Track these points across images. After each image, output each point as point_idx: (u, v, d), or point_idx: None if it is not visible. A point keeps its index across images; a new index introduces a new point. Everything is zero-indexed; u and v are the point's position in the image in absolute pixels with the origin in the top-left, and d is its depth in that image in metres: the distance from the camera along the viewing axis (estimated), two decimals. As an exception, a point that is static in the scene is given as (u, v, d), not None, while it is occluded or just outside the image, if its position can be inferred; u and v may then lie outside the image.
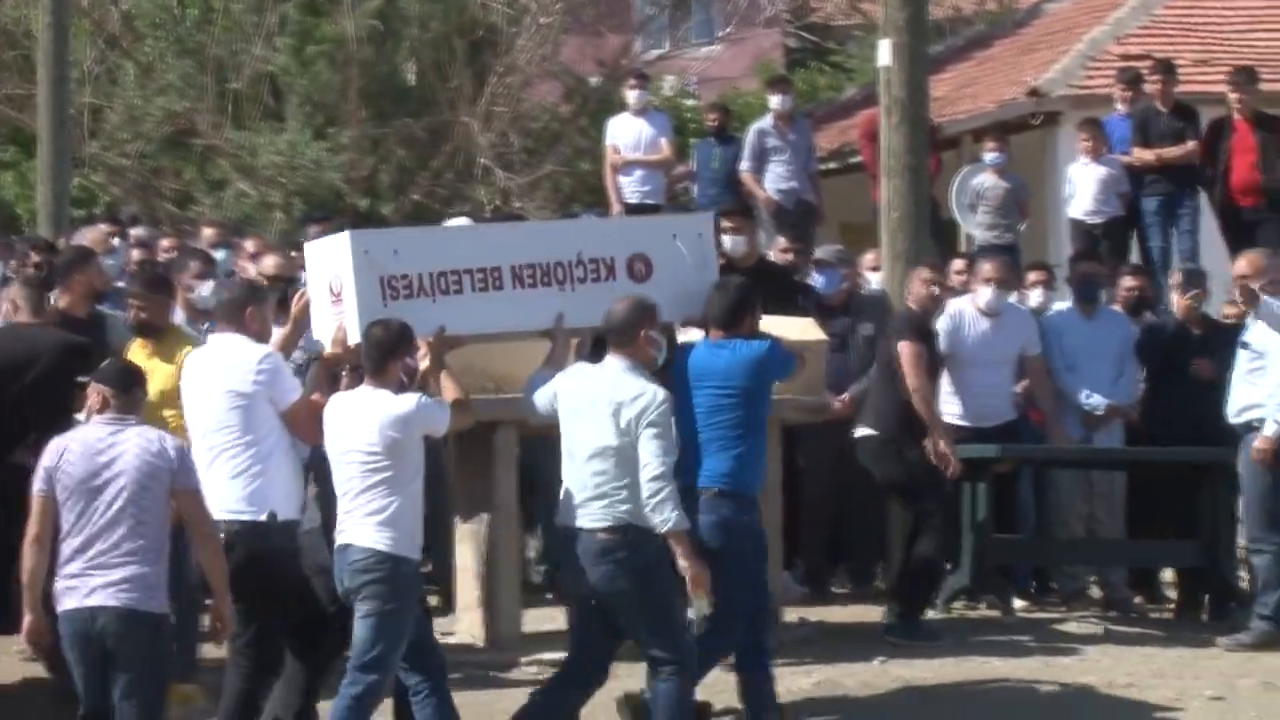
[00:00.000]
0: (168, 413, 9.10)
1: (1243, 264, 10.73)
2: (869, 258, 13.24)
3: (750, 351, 8.73)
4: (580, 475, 8.17)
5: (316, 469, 8.36)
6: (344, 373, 8.28)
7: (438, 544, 10.46)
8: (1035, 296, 12.27)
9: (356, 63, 20.88)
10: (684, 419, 8.39)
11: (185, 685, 9.12)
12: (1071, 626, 11.18)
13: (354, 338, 8.28)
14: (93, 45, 21.75)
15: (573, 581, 8.37)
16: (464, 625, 10.34)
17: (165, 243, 13.33)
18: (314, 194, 20.50)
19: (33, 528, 7.62)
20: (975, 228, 15.35)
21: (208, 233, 13.34)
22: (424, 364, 8.35)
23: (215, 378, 8.21)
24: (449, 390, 8.25)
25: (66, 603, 7.51)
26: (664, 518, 8.04)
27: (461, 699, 8.36)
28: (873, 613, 11.05)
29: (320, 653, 8.32)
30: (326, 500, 8.30)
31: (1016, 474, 11.86)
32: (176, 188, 21.56)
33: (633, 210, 16.10)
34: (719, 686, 8.88)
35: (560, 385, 8.38)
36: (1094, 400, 11.79)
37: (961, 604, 11.54)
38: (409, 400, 7.96)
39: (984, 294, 11.52)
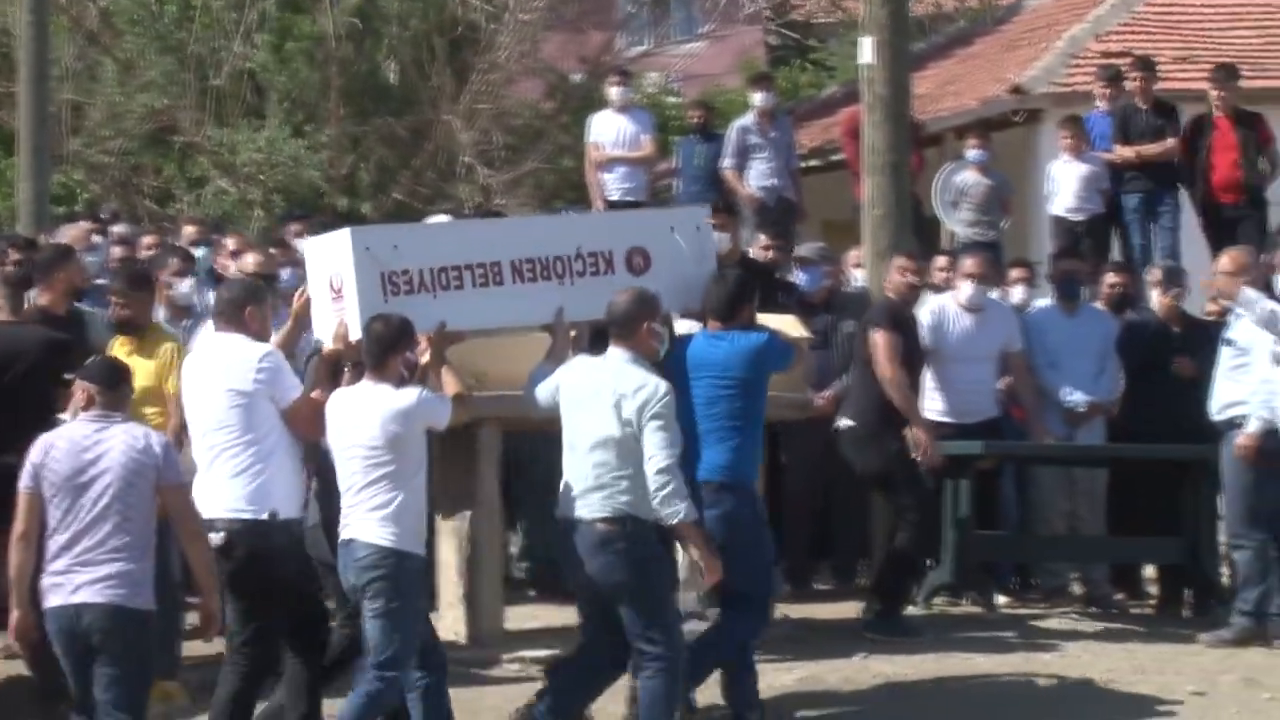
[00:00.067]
0: (149, 410, 9.10)
1: (1225, 261, 10.75)
2: (852, 255, 13.24)
3: (748, 343, 8.76)
4: (581, 466, 8.18)
5: (317, 465, 8.35)
6: (346, 369, 8.28)
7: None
8: (1017, 293, 12.29)
9: (336, 61, 20.85)
10: (682, 410, 8.39)
11: (167, 682, 9.12)
12: (1053, 623, 11.20)
13: (355, 334, 8.28)
14: (72, 42, 21.70)
15: (572, 574, 8.37)
16: (446, 622, 10.32)
17: (146, 240, 13.30)
18: (294, 191, 20.47)
19: (19, 525, 7.63)
20: (957, 225, 15.36)
21: (188, 230, 13.32)
22: (424, 359, 8.35)
23: (215, 377, 8.20)
24: (450, 384, 8.26)
25: (52, 599, 7.53)
26: (673, 510, 8.06)
27: (444, 696, 8.35)
28: (855, 609, 11.05)
29: (319, 653, 8.31)
30: (327, 497, 8.29)
31: (999, 471, 11.87)
32: (157, 185, 21.52)
33: (614, 207, 16.09)
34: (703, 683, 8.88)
35: (562, 378, 8.39)
36: (1075, 397, 11.80)
37: (944, 600, 11.55)
38: (410, 394, 7.97)
39: (965, 289, 11.53)
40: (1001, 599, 11.81)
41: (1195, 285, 12.55)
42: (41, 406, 9.06)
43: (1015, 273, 12.52)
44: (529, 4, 21.92)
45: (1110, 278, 12.52)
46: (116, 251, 12.42)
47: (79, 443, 7.60)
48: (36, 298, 9.97)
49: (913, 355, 10.92)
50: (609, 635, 8.28)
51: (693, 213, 9.74)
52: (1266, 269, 10.75)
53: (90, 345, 9.63)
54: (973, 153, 15.37)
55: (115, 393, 7.73)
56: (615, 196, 16.47)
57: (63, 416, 8.91)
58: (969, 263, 11.75)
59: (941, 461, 10.88)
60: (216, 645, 9.38)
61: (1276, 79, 18.64)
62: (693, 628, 8.99)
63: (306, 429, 8.20)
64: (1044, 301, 12.37)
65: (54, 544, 7.56)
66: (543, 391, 8.49)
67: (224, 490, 8.06)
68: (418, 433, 8.00)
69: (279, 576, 8.10)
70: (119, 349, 9.58)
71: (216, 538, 7.98)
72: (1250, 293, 10.42)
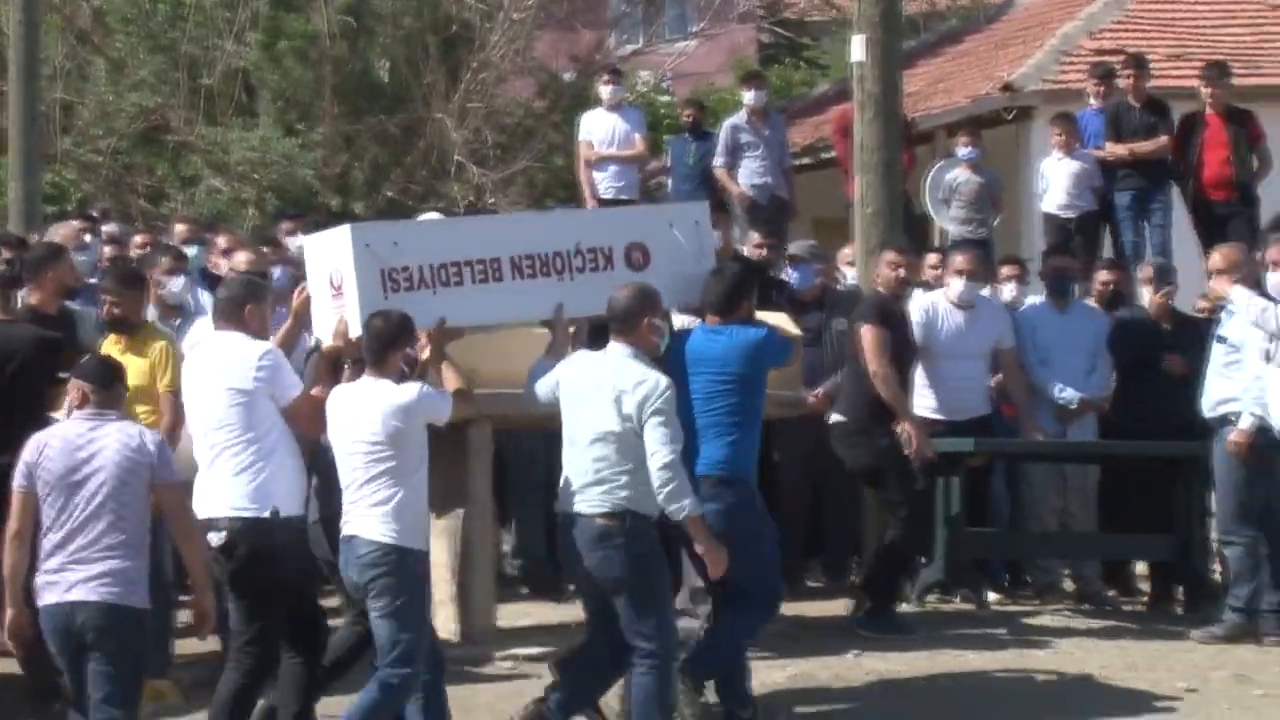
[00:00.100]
0: (140, 408, 9.09)
1: (1217, 258, 10.76)
2: (845, 252, 13.25)
3: (746, 338, 8.77)
4: (581, 461, 8.19)
5: (317, 462, 8.35)
6: (346, 366, 8.28)
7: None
8: (1008, 291, 12.30)
9: (329, 59, 20.84)
10: (681, 405, 8.39)
11: (158, 681, 9.11)
12: (1045, 620, 11.22)
13: (355, 331, 8.29)
14: (63, 41, 21.66)
15: (572, 569, 8.40)
16: (439, 620, 10.27)
17: (138, 239, 13.29)
18: (287, 190, 20.45)
19: (13, 523, 7.64)
20: (948, 222, 15.38)
21: (180, 229, 13.31)
22: (424, 355, 8.36)
23: (216, 375, 8.19)
24: (450, 380, 8.28)
25: (46, 598, 7.54)
26: (678, 505, 8.09)
27: (436, 694, 8.35)
28: (847, 607, 11.06)
29: (317, 654, 8.31)
30: (327, 494, 8.30)
31: (990, 468, 11.88)
32: (149, 184, 21.49)
33: (606, 206, 16.10)
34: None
35: (562, 373, 8.41)
36: (1067, 394, 11.81)
37: (935, 597, 11.56)
38: (411, 390, 7.98)
39: (955, 286, 11.54)
40: (993, 596, 11.83)
41: (1185, 282, 12.56)
42: (34, 405, 9.07)
43: (1006, 270, 12.52)
44: (521, 3, 21.90)
45: (1102, 275, 12.54)
46: (107, 250, 12.42)
47: (73, 441, 7.61)
48: (27, 296, 9.96)
49: (903, 350, 10.92)
50: (609, 634, 8.28)
51: (692, 208, 9.76)
52: (1258, 266, 10.75)
53: (80, 344, 9.63)
54: (964, 150, 15.38)
55: (109, 391, 7.74)
56: (607, 195, 16.48)
57: (55, 415, 8.92)
58: (959, 259, 11.76)
59: (932, 456, 10.88)
60: (209, 644, 9.42)
61: (1268, 76, 18.67)
62: (685, 624, 9.00)
63: (307, 426, 8.20)
64: (1035, 299, 12.38)
65: (48, 543, 7.56)
66: (543, 387, 8.50)
67: (225, 489, 8.05)
68: (418, 428, 8.00)
69: (281, 575, 8.09)
70: (110, 347, 9.58)
71: (218, 537, 7.98)
72: (1242, 291, 10.41)
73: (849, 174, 13.83)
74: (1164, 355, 11.85)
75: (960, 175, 15.25)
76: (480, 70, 21.56)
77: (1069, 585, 12.08)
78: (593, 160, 16.75)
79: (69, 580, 7.49)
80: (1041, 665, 9.98)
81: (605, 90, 17.15)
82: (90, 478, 7.53)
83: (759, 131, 16.21)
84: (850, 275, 12.83)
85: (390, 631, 7.91)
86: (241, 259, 11.18)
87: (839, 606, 11.14)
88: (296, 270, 12.16)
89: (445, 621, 10.21)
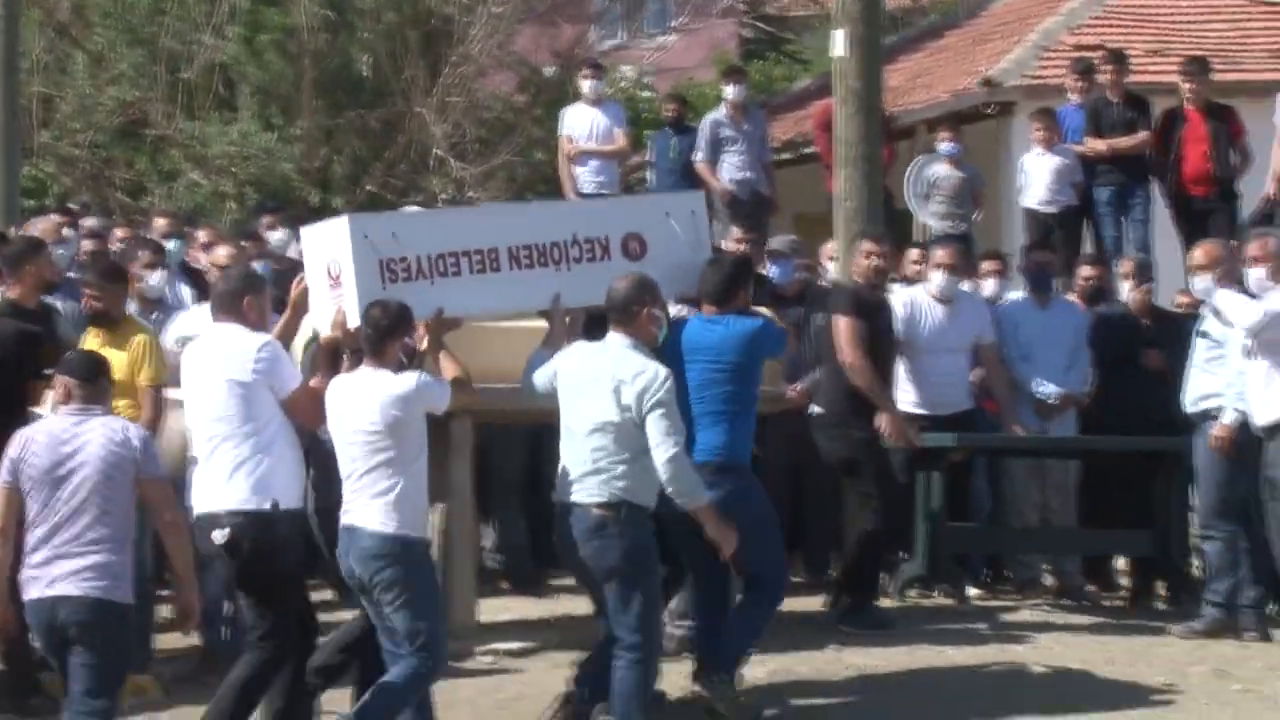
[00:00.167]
0: (120, 402, 9.07)
1: (1198, 255, 10.77)
2: (828, 248, 13.25)
3: (743, 327, 8.80)
4: (579, 451, 8.20)
5: (315, 454, 8.34)
6: (345, 356, 8.28)
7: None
8: (989, 286, 12.31)
9: (309, 53, 20.81)
10: (678, 394, 8.40)
11: (139, 676, 9.11)
12: (1025, 615, 11.23)
13: (353, 321, 8.29)
14: (42, 34, 21.61)
15: (569, 559, 8.42)
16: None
17: (119, 233, 13.27)
18: (267, 184, 20.43)
19: (-2, 519, 7.62)
20: (929, 218, 15.39)
21: (160, 223, 13.29)
22: (423, 345, 8.37)
23: (214, 367, 8.19)
24: (449, 369, 8.29)
25: (30, 592, 7.55)
26: (689, 497, 8.15)
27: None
28: (825, 601, 11.06)
29: (306, 651, 8.29)
30: (324, 484, 8.28)
31: (971, 463, 11.89)
32: (128, 178, 21.44)
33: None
34: (672, 675, 8.88)
35: (560, 364, 8.42)
36: (1047, 389, 11.82)
37: (916, 592, 11.56)
38: (409, 379, 7.98)
39: (936, 279, 11.55)
40: (974, 591, 11.83)
41: (1166, 277, 12.57)
42: (13, 400, 9.05)
43: (987, 265, 12.53)
44: (501, -4, 21.91)
45: (1084, 270, 12.55)
46: (87, 245, 12.40)
47: (58, 436, 7.62)
48: (6, 291, 9.94)
49: (881, 340, 10.89)
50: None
51: (688, 198, 9.78)
52: (1239, 262, 10.76)
53: (59, 339, 9.61)
54: (944, 145, 15.40)
55: (94, 386, 7.75)
56: (588, 190, 16.46)
57: (37, 410, 8.91)
58: (940, 253, 11.78)
59: (918, 441, 10.89)
60: (189, 639, 9.42)
61: (1248, 72, 18.71)
62: (669, 631, 9.05)
63: (306, 418, 8.21)
64: (1016, 294, 12.39)
65: (33, 537, 7.57)
66: (540, 377, 8.52)
67: (225, 483, 8.04)
68: (417, 417, 8.01)
69: (284, 567, 8.09)
70: (91, 341, 9.57)
71: (221, 535, 7.97)
72: (1228, 298, 10.36)
73: (830, 169, 13.82)
74: (1144, 351, 11.87)
75: (941, 170, 15.26)
76: (460, 64, 21.55)
77: (1049, 580, 12.09)
78: (573, 155, 16.74)
79: (52, 575, 7.49)
80: (1022, 660, 9.99)
81: (586, 85, 17.13)
82: (75, 472, 7.54)
83: (740, 126, 16.21)
84: (833, 270, 12.84)
85: (408, 621, 7.92)
86: (221, 253, 11.17)
87: (819, 601, 11.13)
88: (277, 264, 12.18)
89: (426, 616, 10.21)
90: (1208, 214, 14.44)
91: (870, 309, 10.83)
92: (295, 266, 11.55)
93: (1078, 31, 20.01)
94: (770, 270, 12.22)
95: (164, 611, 9.94)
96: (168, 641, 9.83)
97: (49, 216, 13.27)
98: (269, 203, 16.43)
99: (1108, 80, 15.07)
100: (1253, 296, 10.25)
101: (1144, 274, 12.31)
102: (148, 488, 7.64)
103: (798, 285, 12.14)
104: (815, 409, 10.99)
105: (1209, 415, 10.61)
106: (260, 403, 8.09)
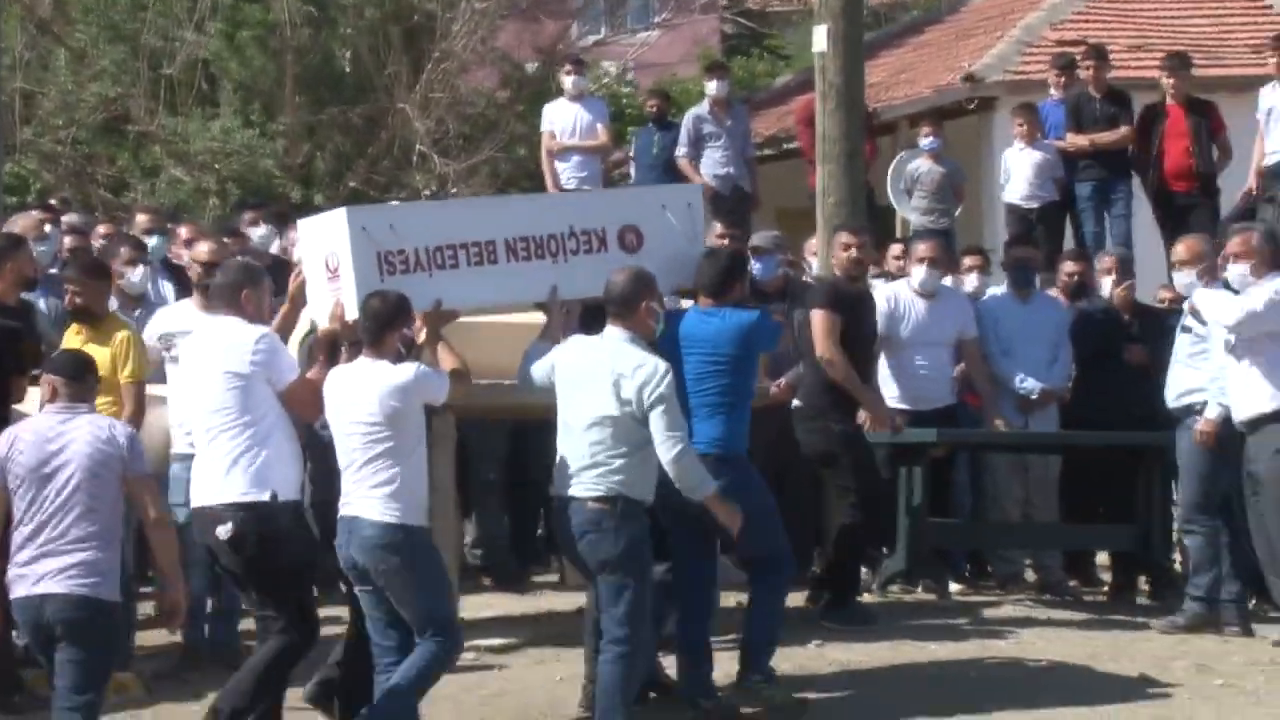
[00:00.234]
0: (102, 399, 9.04)
1: (1181, 250, 10.78)
2: (812, 243, 13.26)
3: (739, 320, 8.82)
4: (577, 445, 8.21)
5: (311, 447, 8.34)
6: (343, 348, 8.27)
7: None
8: (971, 281, 12.31)
9: (291, 49, 20.80)
10: (675, 385, 8.42)
11: (121, 673, 9.09)
12: (1007, 610, 11.23)
13: (351, 314, 8.29)
14: (24, 31, 21.58)
15: (567, 553, 8.47)
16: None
17: (101, 229, 13.25)
18: (249, 180, 20.42)
19: (-16, 517, 7.62)
20: (911, 213, 15.40)
21: (141, 219, 13.26)
22: (421, 337, 8.37)
23: (212, 359, 8.18)
24: (447, 360, 8.29)
25: (17, 590, 7.55)
26: (695, 489, 8.20)
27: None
28: (808, 597, 11.07)
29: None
30: (321, 478, 8.28)
31: (953, 458, 11.90)
32: (110, 174, 21.44)
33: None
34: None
35: (558, 357, 8.43)
36: (1029, 384, 11.83)
37: (898, 588, 11.57)
38: (408, 369, 7.99)
39: (918, 273, 11.56)
40: (955, 586, 11.84)
41: (1148, 272, 12.58)
42: (-3, 395, 9.04)
43: (969, 260, 12.53)
44: (483, -8, 21.92)
45: (1068, 266, 12.56)
46: (69, 241, 12.38)
47: (44, 434, 7.62)
48: (-14, 287, 9.91)
49: (861, 333, 10.86)
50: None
51: (684, 190, 9.82)
52: (1221, 258, 10.77)
53: (38, 335, 9.59)
54: (926, 141, 15.41)
55: (80, 384, 7.75)
56: (569, 185, 16.46)
57: (18, 408, 8.90)
58: (922, 247, 11.79)
59: (901, 424, 10.93)
60: (171, 636, 9.41)
61: (1229, 67, 18.74)
62: None
63: (304, 410, 8.21)
64: (997, 289, 12.40)
65: (19, 536, 7.57)
66: (538, 370, 8.53)
67: (223, 476, 8.03)
68: (416, 408, 8.02)
69: (289, 558, 8.08)
70: (73, 337, 9.56)
71: (225, 530, 7.97)
72: (1206, 296, 10.36)
73: (812, 164, 13.84)
74: (1126, 346, 11.89)
75: (922, 166, 15.27)
76: (443, 60, 21.56)
77: (1031, 575, 12.10)
78: (555, 151, 16.74)
79: (38, 573, 7.49)
80: (1003, 655, 10.00)
81: (568, 80, 17.13)
82: (60, 470, 7.53)
83: (722, 122, 16.21)
84: (816, 266, 12.84)
85: (419, 606, 7.95)
86: (203, 249, 11.15)
87: (802, 597, 11.14)
88: (259, 261, 12.16)
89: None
90: (1189, 209, 14.45)
91: (849, 302, 10.79)
92: (277, 263, 11.56)
93: (1059, 27, 20.05)
94: (753, 266, 12.20)
95: (145, 608, 9.93)
96: (149, 639, 9.82)
97: (30, 213, 13.22)
98: (251, 199, 16.42)
99: (1089, 76, 15.09)
100: (1234, 292, 10.26)
101: (1125, 269, 12.33)
102: (133, 485, 7.64)
103: (779, 281, 12.13)
104: (795, 403, 10.99)
105: (1192, 410, 10.62)
106: (258, 395, 8.08)
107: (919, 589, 11.66)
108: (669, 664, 8.95)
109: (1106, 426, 11.60)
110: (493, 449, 11.70)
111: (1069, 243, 14.69)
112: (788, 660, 9.73)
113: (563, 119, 16.80)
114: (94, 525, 7.51)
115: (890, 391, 11.43)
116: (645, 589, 8.25)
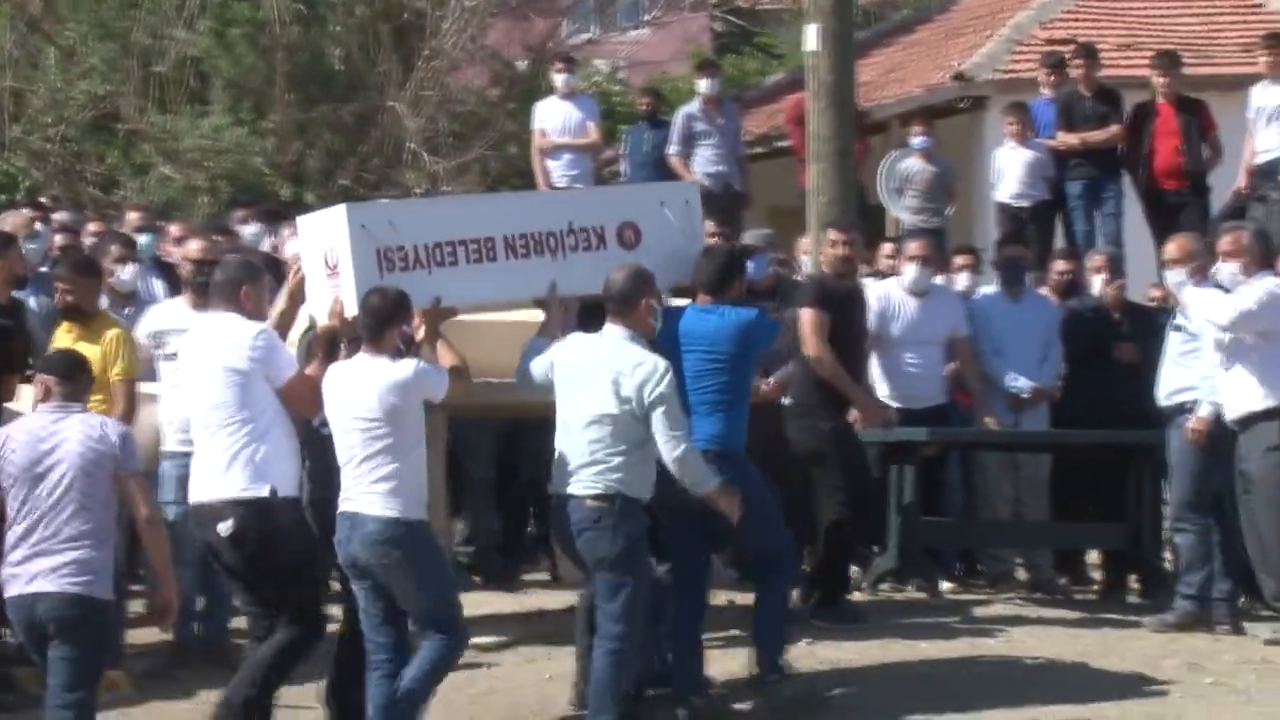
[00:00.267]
0: (94, 397, 9.04)
1: (1172, 249, 10.79)
2: (803, 242, 13.27)
3: (737, 318, 8.83)
4: (576, 443, 8.22)
5: (310, 445, 8.34)
6: (342, 345, 8.27)
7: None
8: (962, 280, 12.31)
9: (281, 46, 20.77)
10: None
11: (111, 671, 9.08)
12: (998, 608, 11.24)
13: (351, 310, 8.29)
14: (13, 28, 21.54)
15: (567, 551, 8.46)
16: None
17: (92, 227, 13.23)
18: (239, 178, 20.39)
19: (-23, 516, 7.62)
20: (902, 212, 15.40)
21: (132, 217, 13.23)
22: (420, 334, 8.38)
23: (211, 355, 8.19)
24: (446, 357, 8.29)
25: (10, 589, 7.58)
26: (699, 485, 8.24)
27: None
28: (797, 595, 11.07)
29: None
30: (319, 475, 8.27)
31: (944, 457, 11.90)
32: (100, 172, 21.39)
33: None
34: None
35: (557, 355, 8.44)
36: (1020, 383, 11.84)
37: (889, 586, 11.57)
38: (407, 366, 7.99)
39: (910, 272, 11.57)
40: (946, 585, 11.84)
41: (1138, 271, 12.59)
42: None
43: (960, 259, 12.53)
44: (474, -10, 21.89)
45: (1059, 265, 12.57)
46: (59, 239, 12.36)
47: (36, 434, 7.64)
48: (-24, 286, 9.90)
49: (851, 329, 10.85)
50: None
51: (682, 188, 9.84)
52: (1211, 256, 10.77)
53: (28, 333, 9.59)
54: (917, 140, 15.41)
55: (73, 384, 7.77)
56: (560, 184, 16.47)
57: (10, 407, 8.89)
58: (913, 245, 11.81)
59: (894, 416, 10.95)
60: (161, 634, 9.41)
61: (1219, 66, 18.76)
62: None
63: (302, 406, 8.21)
64: (988, 288, 12.41)
65: (12, 535, 7.59)
66: (537, 367, 8.53)
67: (222, 473, 8.04)
68: (415, 405, 8.03)
69: (293, 551, 8.08)
70: (64, 335, 9.55)
71: (227, 527, 7.98)
72: (1194, 293, 10.36)
73: (803, 163, 13.85)
74: (1115, 344, 11.89)
75: (914, 165, 15.27)
76: (433, 58, 21.53)
77: (1022, 574, 12.11)
78: (546, 149, 16.75)
79: (31, 571, 7.51)
80: (994, 654, 10.01)
81: (559, 78, 17.13)
82: (53, 469, 7.55)
83: (713, 120, 16.23)
84: (808, 264, 12.85)
85: (424, 601, 7.98)
86: (194, 248, 11.13)
87: (792, 596, 11.12)
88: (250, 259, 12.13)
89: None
90: (1179, 208, 14.46)
91: (838, 299, 10.78)
92: (268, 261, 11.54)
93: (1049, 26, 20.06)
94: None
95: (134, 606, 9.92)
96: (139, 636, 9.81)
97: (20, 211, 13.22)
98: (242, 197, 16.40)
99: (1079, 74, 15.10)
100: (1224, 290, 10.27)
101: (1116, 268, 12.34)
102: (126, 483, 7.64)
103: (771, 279, 12.12)
104: (786, 400, 10.99)
105: (1183, 408, 10.62)
106: (256, 391, 8.09)
107: (910, 587, 11.66)
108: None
109: (1097, 425, 11.61)
110: (483, 447, 11.69)
111: (1060, 241, 14.69)
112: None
113: (553, 117, 16.81)
114: (87, 524, 7.52)
115: (881, 390, 11.44)
116: (642, 586, 8.26)
